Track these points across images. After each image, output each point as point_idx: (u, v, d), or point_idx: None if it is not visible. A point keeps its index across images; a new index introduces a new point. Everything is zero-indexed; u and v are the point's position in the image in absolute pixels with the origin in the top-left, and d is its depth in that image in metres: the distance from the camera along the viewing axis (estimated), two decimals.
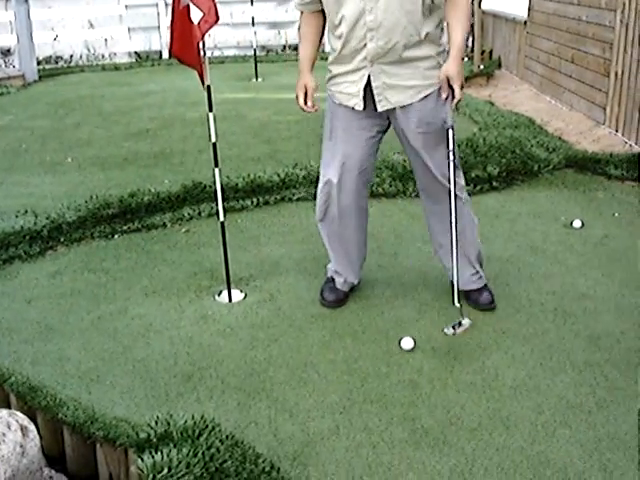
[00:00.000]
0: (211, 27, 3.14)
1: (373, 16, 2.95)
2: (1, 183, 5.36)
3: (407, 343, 3.11)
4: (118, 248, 4.22)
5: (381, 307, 3.46)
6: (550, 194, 4.91)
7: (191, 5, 3.11)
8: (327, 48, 3.66)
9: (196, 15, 3.11)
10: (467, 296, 3.41)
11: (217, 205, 3.60)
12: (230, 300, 3.57)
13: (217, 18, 3.17)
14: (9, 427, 2.40)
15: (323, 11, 3.15)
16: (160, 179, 5.22)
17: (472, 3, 9.01)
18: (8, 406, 2.86)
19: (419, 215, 3.82)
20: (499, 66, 9.41)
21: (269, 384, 2.91)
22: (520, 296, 3.53)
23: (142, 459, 2.33)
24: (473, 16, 9.15)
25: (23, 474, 2.37)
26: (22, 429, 2.43)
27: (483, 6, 9.52)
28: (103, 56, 10.96)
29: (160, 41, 11.07)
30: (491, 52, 9.79)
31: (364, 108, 3.13)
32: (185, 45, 3.21)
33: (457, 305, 3.15)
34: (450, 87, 3.03)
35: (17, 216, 4.41)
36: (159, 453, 2.33)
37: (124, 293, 3.69)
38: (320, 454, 2.52)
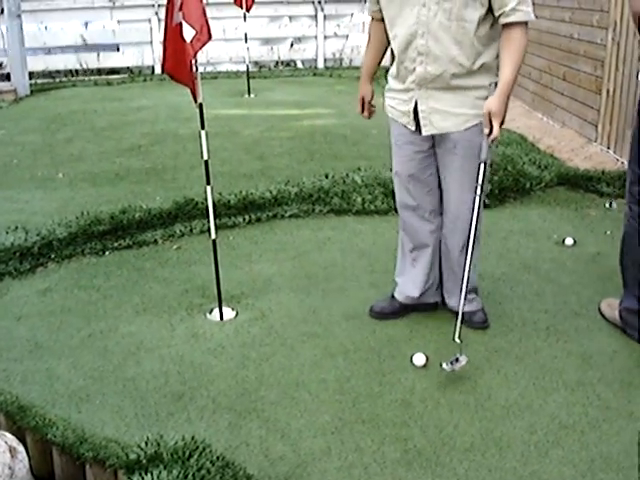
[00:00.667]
0: (204, 45, 3.14)
1: (424, 41, 2.93)
2: None
3: (419, 359, 3.10)
4: (109, 265, 4.19)
5: (373, 326, 3.45)
6: (542, 212, 4.91)
7: (184, 23, 3.11)
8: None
9: (189, 33, 3.11)
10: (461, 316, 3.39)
11: (209, 222, 3.59)
12: (221, 318, 3.55)
13: (210, 36, 3.17)
14: None
15: None
16: (152, 195, 5.20)
17: None
18: None
19: None
20: None
21: (260, 404, 2.89)
22: (512, 314, 3.52)
23: None
24: None
25: None
26: (11, 450, 2.41)
27: None
28: (94, 71, 10.95)
29: (153, 56, 11.07)
30: None
31: (415, 129, 3.14)
32: (178, 63, 3.22)
33: (457, 341, 3.06)
34: (490, 123, 2.95)
35: (7, 232, 4.37)
36: (149, 474, 2.31)
37: (115, 311, 3.67)
38: (312, 475, 2.49)
